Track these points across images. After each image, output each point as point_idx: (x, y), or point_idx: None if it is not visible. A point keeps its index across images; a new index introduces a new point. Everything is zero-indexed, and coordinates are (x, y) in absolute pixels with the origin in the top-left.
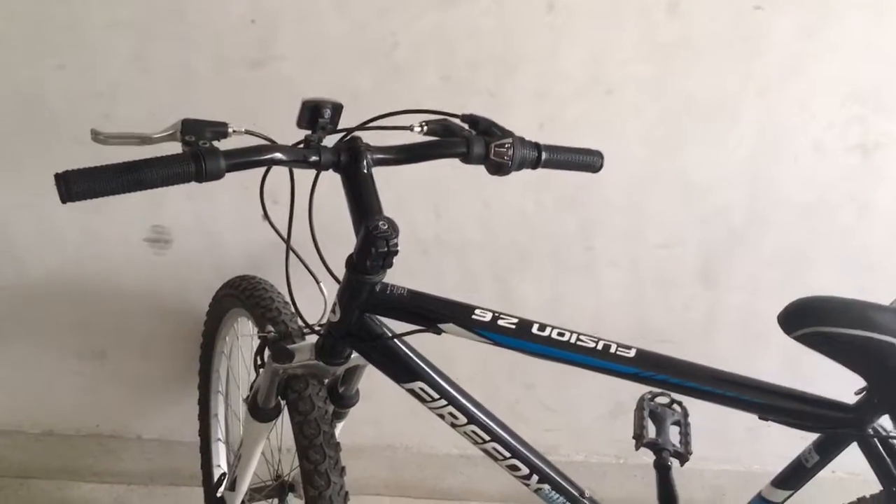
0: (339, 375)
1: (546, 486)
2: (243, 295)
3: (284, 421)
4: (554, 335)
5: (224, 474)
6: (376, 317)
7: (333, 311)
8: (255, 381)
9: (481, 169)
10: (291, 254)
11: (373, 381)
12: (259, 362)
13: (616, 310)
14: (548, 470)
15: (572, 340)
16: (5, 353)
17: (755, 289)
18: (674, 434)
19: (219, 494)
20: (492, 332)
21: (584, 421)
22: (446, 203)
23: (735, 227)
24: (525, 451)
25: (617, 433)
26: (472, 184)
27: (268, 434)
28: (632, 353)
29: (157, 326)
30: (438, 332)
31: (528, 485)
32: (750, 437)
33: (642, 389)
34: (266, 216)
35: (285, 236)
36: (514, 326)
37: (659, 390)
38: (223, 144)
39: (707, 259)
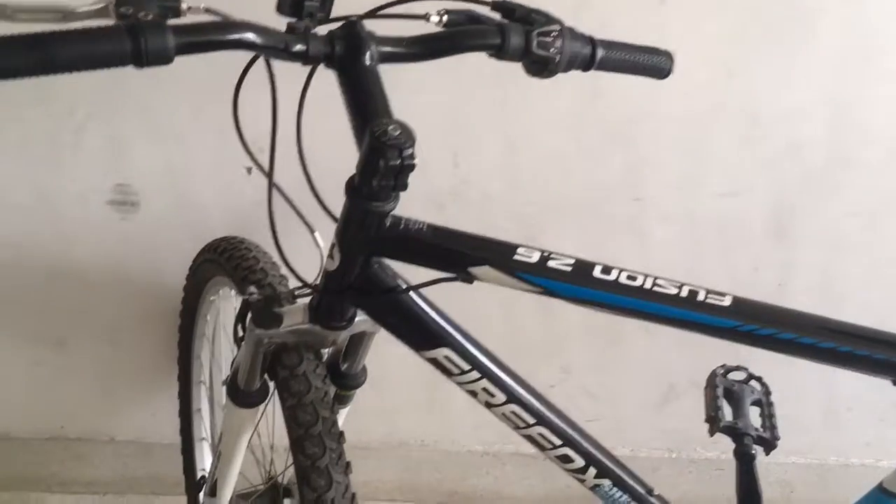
0: (340, 349)
1: (605, 482)
2: (223, 257)
3: (276, 407)
4: (623, 279)
5: (204, 476)
6: (386, 263)
7: (331, 255)
8: (235, 357)
9: (509, 102)
10: (276, 195)
11: (382, 365)
12: (241, 333)
13: (669, 273)
14: (607, 462)
15: (647, 286)
16: None
17: (835, 243)
18: (754, 417)
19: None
20: (540, 277)
21: (630, 409)
22: (467, 146)
23: (812, 169)
24: (579, 438)
25: (669, 423)
26: (498, 120)
27: (254, 424)
28: (727, 302)
29: (126, 307)
30: (469, 279)
31: (582, 480)
32: (827, 423)
33: (697, 369)
34: (240, 136)
35: (266, 167)
36: (569, 269)
37: (733, 365)
38: None
39: (778, 209)
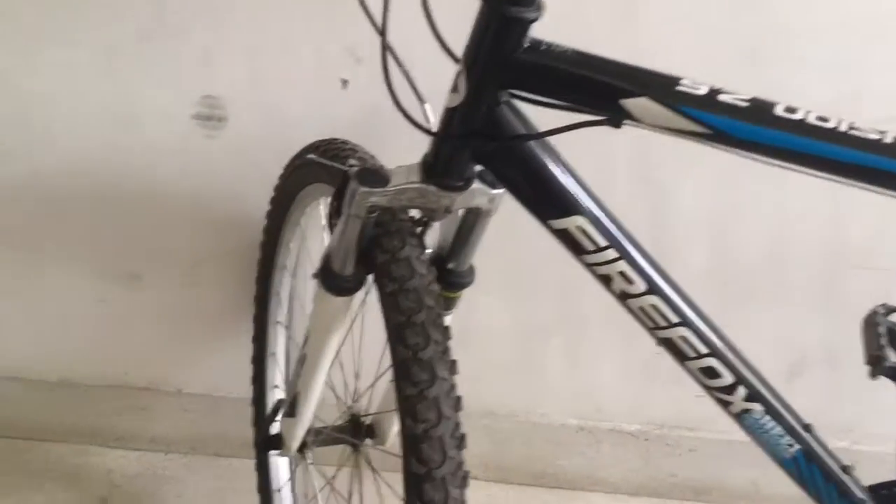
0: (445, 246)
1: (756, 408)
2: (317, 152)
3: (365, 327)
4: (811, 120)
5: (281, 400)
6: (517, 105)
7: (455, 88)
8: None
9: None
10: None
11: (469, 317)
12: (334, 220)
13: (805, 225)
14: (759, 385)
15: (842, 129)
16: (15, 273)
17: None
18: None
19: (274, 429)
20: (709, 113)
21: None
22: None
23: None
24: (728, 351)
25: (795, 401)
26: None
27: (346, 322)
28: None
29: (206, 238)
30: (619, 119)
31: (728, 404)
32: None
33: (833, 339)
34: None
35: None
36: (745, 105)
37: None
38: None
39: None
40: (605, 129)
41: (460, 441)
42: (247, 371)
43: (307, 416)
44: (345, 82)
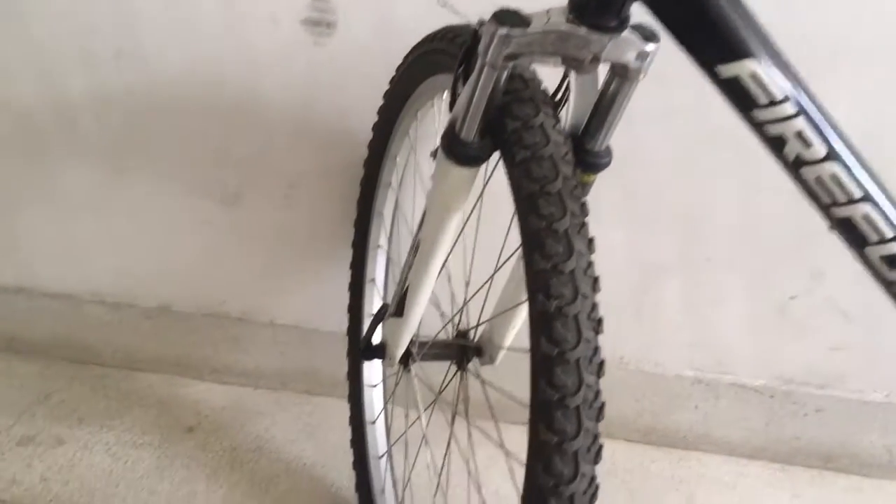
0: (580, 122)
1: None
2: (444, 42)
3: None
4: None
5: (385, 305)
6: None
7: None
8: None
9: None
10: None
11: None
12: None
13: None
14: None
15: None
16: (118, 190)
17: None
18: None
19: (376, 338)
20: None
21: (892, 338)
22: None
23: None
24: None
25: None
26: None
27: (467, 201)
28: None
29: (307, 155)
30: None
31: None
32: None
33: None
34: None
35: None
36: None
37: None
38: None
39: None
40: None
41: (598, 324)
42: (340, 303)
43: (416, 317)
44: None
